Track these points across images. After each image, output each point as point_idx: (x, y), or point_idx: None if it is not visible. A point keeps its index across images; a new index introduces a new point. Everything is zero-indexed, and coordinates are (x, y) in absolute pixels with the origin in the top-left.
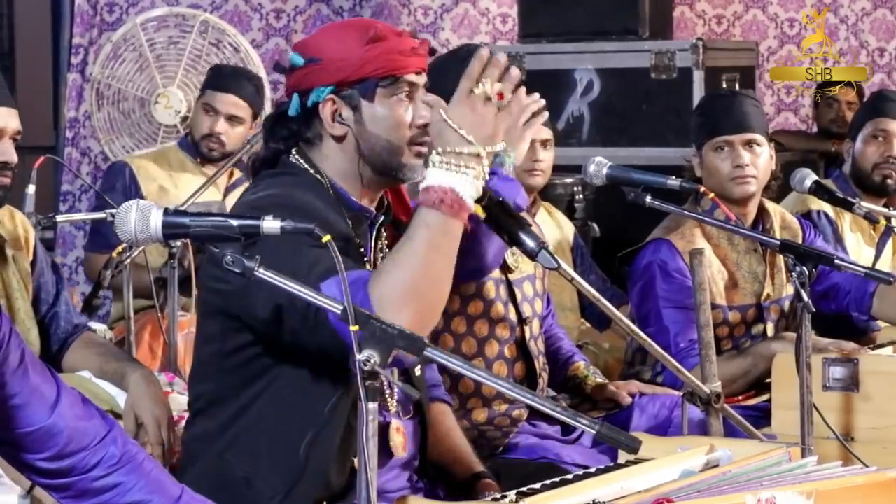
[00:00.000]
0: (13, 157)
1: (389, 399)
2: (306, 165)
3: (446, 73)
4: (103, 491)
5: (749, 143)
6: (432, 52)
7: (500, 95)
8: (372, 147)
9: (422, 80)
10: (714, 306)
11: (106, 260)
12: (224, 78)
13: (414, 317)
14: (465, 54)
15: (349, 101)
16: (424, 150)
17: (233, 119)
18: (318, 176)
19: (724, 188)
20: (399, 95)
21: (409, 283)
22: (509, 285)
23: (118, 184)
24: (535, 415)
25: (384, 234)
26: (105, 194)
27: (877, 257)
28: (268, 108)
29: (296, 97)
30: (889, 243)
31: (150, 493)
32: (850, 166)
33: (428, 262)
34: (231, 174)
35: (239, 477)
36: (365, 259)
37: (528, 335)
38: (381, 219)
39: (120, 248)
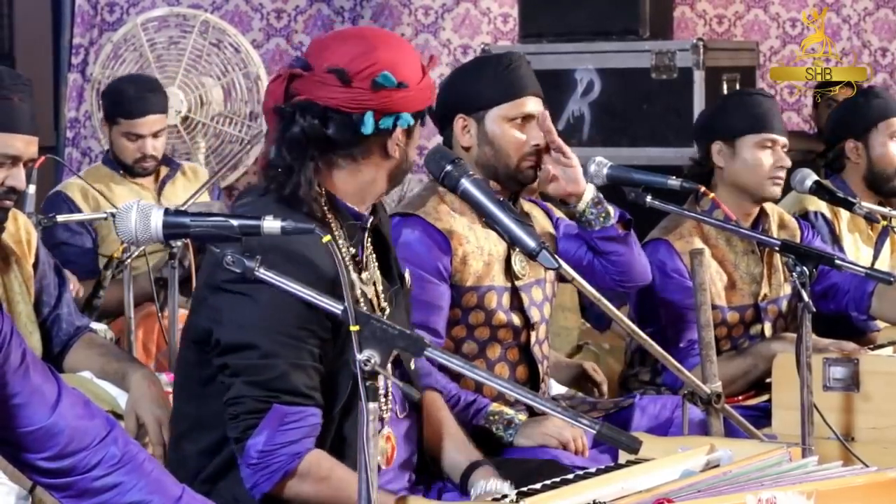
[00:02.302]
0: (22, 184)
1: (384, 405)
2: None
3: (481, 76)
4: (103, 490)
5: (784, 147)
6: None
7: None
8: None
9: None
10: (713, 307)
11: (88, 288)
12: (134, 102)
13: (287, 500)
14: (506, 62)
15: (408, 130)
16: None
17: (156, 134)
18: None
19: (759, 185)
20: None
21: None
22: (515, 291)
23: (63, 213)
24: (533, 416)
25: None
26: (50, 226)
27: (875, 257)
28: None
29: (370, 115)
30: (887, 243)
31: (150, 492)
32: (866, 168)
33: None
34: (157, 175)
35: (229, 498)
36: (360, 268)
37: (532, 339)
38: (371, 219)
39: (120, 248)
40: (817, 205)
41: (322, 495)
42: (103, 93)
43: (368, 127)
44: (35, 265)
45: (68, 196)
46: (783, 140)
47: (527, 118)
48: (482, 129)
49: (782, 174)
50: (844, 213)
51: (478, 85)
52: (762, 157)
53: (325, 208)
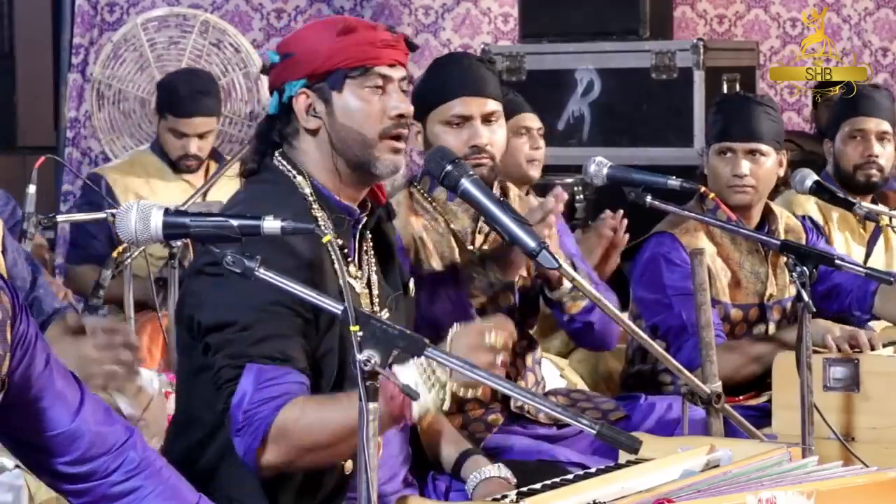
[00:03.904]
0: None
1: None
2: (287, 167)
3: (421, 82)
4: (122, 496)
5: (752, 153)
6: (413, 47)
7: (504, 364)
8: (343, 140)
9: (397, 73)
10: (717, 302)
11: (90, 271)
12: (182, 102)
13: (284, 463)
14: (441, 64)
15: (321, 94)
16: (399, 144)
17: (202, 135)
18: (301, 177)
19: (722, 193)
20: (370, 86)
21: (306, 446)
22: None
23: (94, 198)
24: (525, 417)
25: (368, 236)
26: (82, 209)
27: (868, 254)
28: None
29: (275, 95)
30: (880, 241)
31: (167, 498)
32: (833, 167)
33: (339, 440)
34: (206, 172)
35: (223, 497)
36: (349, 259)
37: None
38: (365, 220)
39: (120, 248)
40: (804, 208)
41: (310, 438)
42: (158, 83)
43: (272, 106)
44: (3, 253)
45: (110, 187)
46: (746, 146)
47: (463, 119)
48: (426, 135)
49: (739, 182)
50: (834, 213)
51: (418, 91)
52: (719, 165)
53: (312, 199)
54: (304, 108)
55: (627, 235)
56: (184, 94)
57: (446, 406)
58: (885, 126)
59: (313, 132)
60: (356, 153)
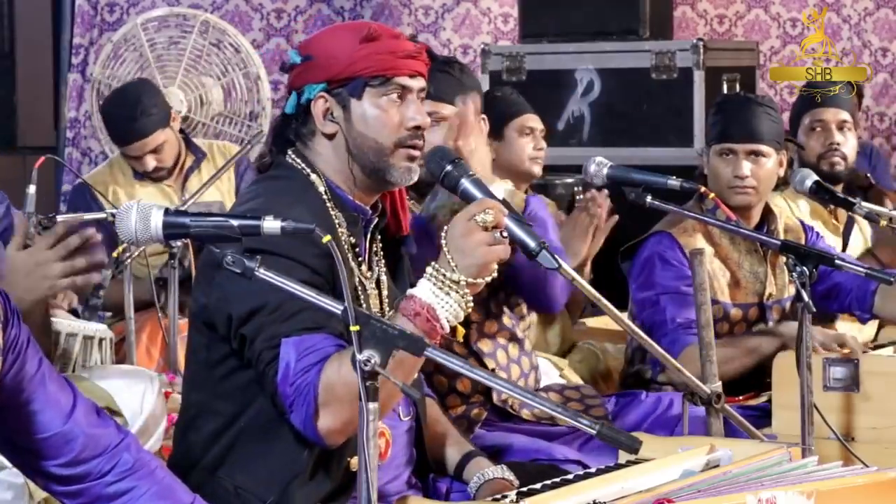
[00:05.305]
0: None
1: None
2: (302, 165)
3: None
4: (116, 496)
5: (753, 154)
6: (434, 58)
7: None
8: (359, 146)
9: (417, 83)
10: (715, 302)
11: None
12: (116, 133)
13: (344, 422)
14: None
15: (339, 99)
16: (415, 153)
17: (155, 150)
18: (315, 175)
19: (723, 193)
20: (389, 96)
21: (356, 398)
22: None
23: (81, 207)
24: (510, 412)
25: (378, 237)
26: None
27: (845, 244)
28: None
29: (293, 95)
30: (855, 229)
31: (161, 498)
32: (797, 164)
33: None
34: (182, 168)
35: (230, 488)
36: (360, 259)
37: (472, 337)
38: (376, 220)
39: (120, 248)
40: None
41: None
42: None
43: (290, 106)
44: None
45: (92, 192)
46: (747, 147)
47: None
48: None
49: (741, 183)
50: (804, 205)
51: None
52: (720, 166)
53: (326, 197)
54: (322, 112)
55: (615, 217)
56: (115, 126)
57: (469, 306)
58: (844, 115)
59: (330, 136)
60: (371, 160)
